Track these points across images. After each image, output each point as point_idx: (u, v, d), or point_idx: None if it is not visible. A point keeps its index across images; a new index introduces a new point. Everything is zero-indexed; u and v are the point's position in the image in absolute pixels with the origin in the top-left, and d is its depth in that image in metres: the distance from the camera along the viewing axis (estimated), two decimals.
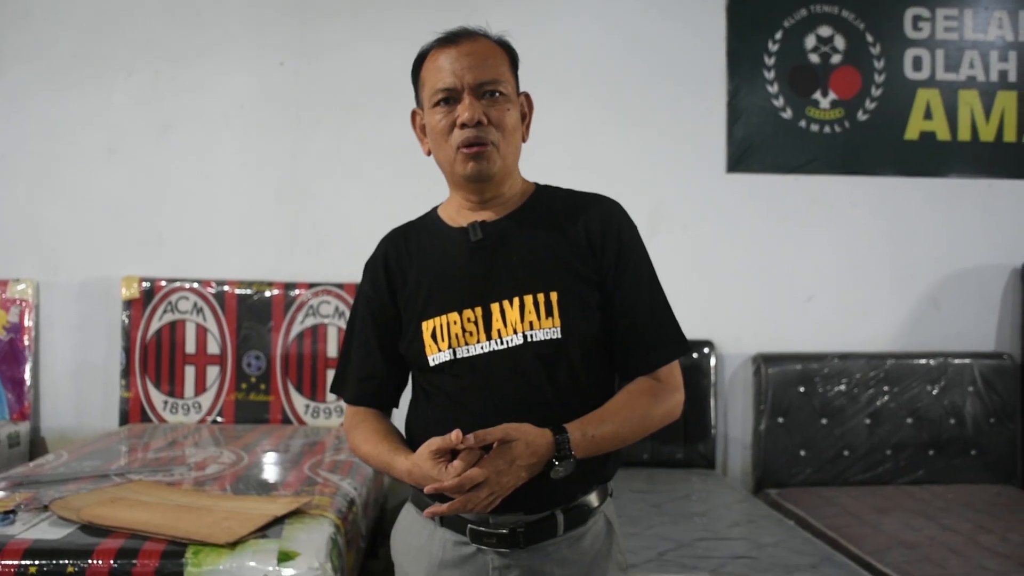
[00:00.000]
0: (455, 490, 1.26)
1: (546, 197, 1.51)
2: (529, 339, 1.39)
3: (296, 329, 3.76)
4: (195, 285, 3.79)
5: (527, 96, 1.52)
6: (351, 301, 3.62)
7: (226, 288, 3.79)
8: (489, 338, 1.40)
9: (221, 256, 3.85)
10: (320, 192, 3.89)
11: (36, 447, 3.78)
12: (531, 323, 1.39)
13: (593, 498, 1.45)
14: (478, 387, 1.41)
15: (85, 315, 3.84)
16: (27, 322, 3.80)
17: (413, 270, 1.50)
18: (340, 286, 3.80)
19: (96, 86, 3.87)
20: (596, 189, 3.94)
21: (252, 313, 3.77)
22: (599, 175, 3.77)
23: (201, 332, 3.76)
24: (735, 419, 3.84)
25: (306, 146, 3.88)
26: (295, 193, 3.89)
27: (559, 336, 1.39)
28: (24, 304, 3.81)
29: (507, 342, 1.39)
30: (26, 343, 3.80)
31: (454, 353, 1.42)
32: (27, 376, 3.78)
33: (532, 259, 1.43)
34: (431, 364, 1.45)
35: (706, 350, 3.77)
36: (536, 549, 1.40)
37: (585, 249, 1.43)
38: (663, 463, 3.66)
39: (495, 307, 1.40)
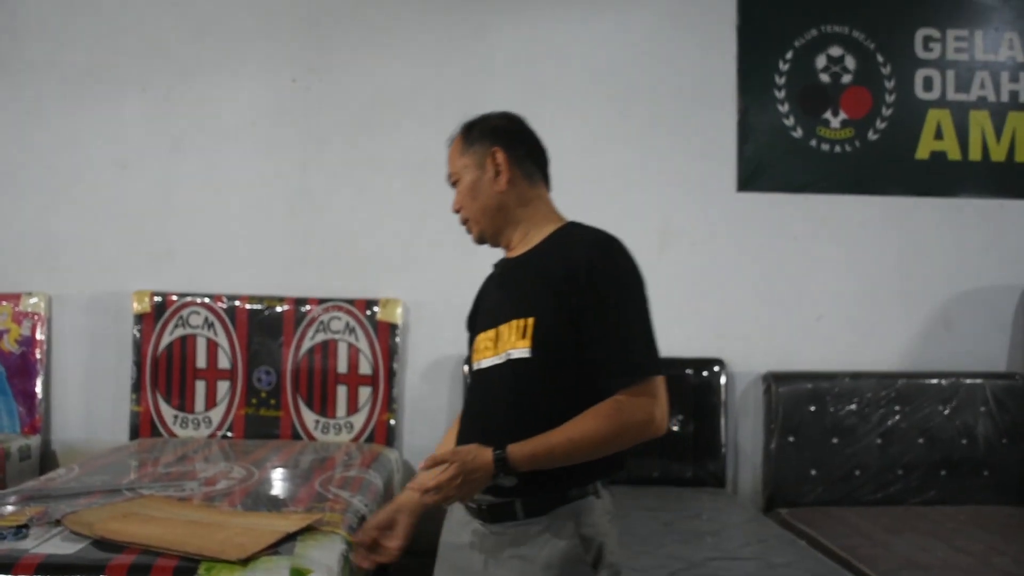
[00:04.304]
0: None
1: (561, 236, 1.68)
2: (509, 357, 1.60)
3: (306, 344, 3.76)
4: (206, 300, 3.79)
5: (493, 154, 1.71)
6: (361, 317, 3.71)
7: (237, 303, 3.79)
8: (495, 355, 1.63)
9: (232, 271, 3.85)
10: (331, 207, 3.90)
11: (47, 460, 3.78)
12: (512, 344, 1.60)
13: (553, 494, 1.59)
14: (475, 394, 1.71)
15: (96, 329, 3.85)
16: (39, 336, 3.82)
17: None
18: (351, 302, 3.79)
19: (108, 101, 3.89)
20: (604, 206, 4.03)
21: (263, 328, 3.77)
22: (608, 192, 3.84)
23: (212, 347, 3.76)
24: (745, 438, 3.82)
25: (317, 161, 3.90)
26: (306, 208, 3.89)
27: (528, 355, 1.58)
28: (36, 318, 3.82)
29: (496, 360, 1.63)
30: (38, 356, 3.81)
31: (479, 365, 1.68)
32: (39, 389, 3.79)
33: (524, 290, 1.63)
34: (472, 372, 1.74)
35: (716, 368, 3.75)
36: (502, 527, 1.60)
37: (563, 282, 1.57)
38: (673, 481, 3.63)
39: (503, 329, 1.63)
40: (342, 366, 3.75)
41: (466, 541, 1.67)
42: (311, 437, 3.72)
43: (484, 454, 1.51)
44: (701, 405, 3.69)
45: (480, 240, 1.76)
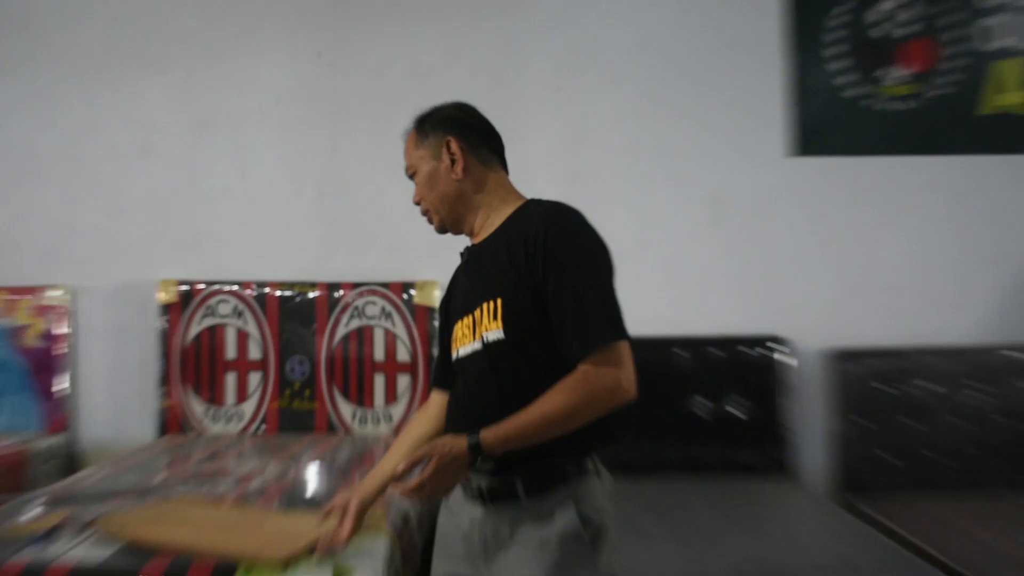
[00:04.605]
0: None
1: (520, 215, 1.74)
2: (485, 340, 1.66)
3: (341, 332, 3.70)
4: (235, 287, 3.74)
5: (447, 144, 1.79)
6: (397, 301, 3.64)
7: (267, 290, 3.74)
8: (473, 341, 1.69)
9: (261, 256, 3.80)
10: (363, 187, 3.79)
11: (73, 460, 3.72)
12: (486, 327, 1.66)
13: (555, 467, 1.63)
14: (458, 383, 1.76)
15: (121, 321, 3.79)
16: (62, 330, 3.75)
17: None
18: (385, 285, 3.72)
19: (129, 83, 3.84)
20: (650, 177, 3.84)
21: (294, 315, 3.72)
22: (654, 161, 3.72)
23: (242, 337, 3.72)
24: (808, 420, 3.65)
25: (347, 139, 3.80)
26: (336, 189, 3.81)
27: (503, 336, 1.63)
28: (59, 311, 3.76)
29: (475, 346, 1.69)
30: (61, 352, 3.74)
31: (458, 354, 1.74)
32: (63, 386, 3.73)
33: (489, 272, 1.70)
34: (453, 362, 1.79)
35: (775, 346, 3.61)
36: (501, 508, 1.65)
37: (522, 257, 1.64)
38: (732, 468, 3.50)
39: (476, 314, 1.69)
40: (379, 353, 3.69)
41: (464, 526, 1.72)
42: (348, 430, 3.67)
43: (459, 443, 1.57)
44: (760, 386, 3.57)
45: (441, 229, 1.83)
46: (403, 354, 3.66)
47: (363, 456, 3.16)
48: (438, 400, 1.90)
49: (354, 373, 3.68)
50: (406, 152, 1.85)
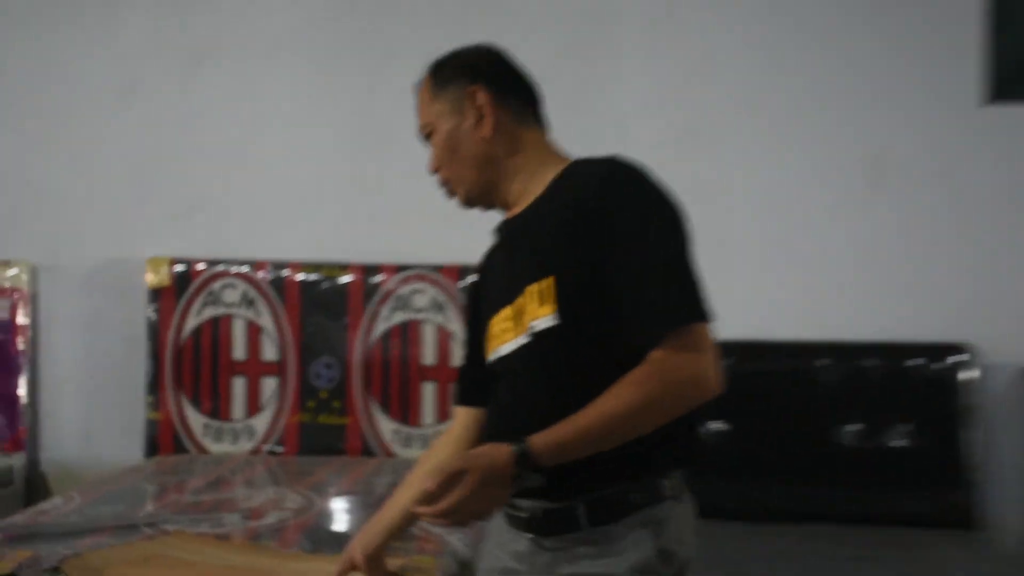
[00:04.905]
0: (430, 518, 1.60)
1: (567, 177, 1.77)
2: (533, 331, 1.67)
3: (380, 327, 3.72)
4: (244, 269, 3.76)
5: (472, 95, 1.79)
6: (452, 289, 3.69)
7: (285, 272, 3.75)
8: (517, 336, 1.72)
9: (278, 229, 3.81)
10: (408, 141, 3.67)
11: (35, 487, 3.75)
12: (533, 314, 1.67)
13: (625, 492, 1.64)
14: (498, 389, 1.78)
15: (98, 310, 3.82)
16: (20, 319, 3.76)
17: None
18: (437, 269, 3.74)
19: (105, 8, 3.88)
20: (781, 134, 3.80)
21: (321, 306, 3.73)
22: (788, 115, 3.71)
23: (253, 331, 3.73)
24: (1000, 455, 3.57)
25: (386, 79, 3.73)
26: (374, 143, 3.79)
27: (555, 323, 1.64)
28: (16, 295, 3.77)
29: (520, 340, 1.70)
30: (19, 348, 3.76)
31: (497, 355, 1.77)
32: (21, 392, 3.74)
33: (535, 247, 1.72)
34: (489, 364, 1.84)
35: (959, 358, 3.53)
36: (561, 540, 1.67)
37: (575, 226, 1.67)
38: (892, 518, 3.41)
39: (520, 301, 1.71)
40: (428, 355, 3.71)
41: (510, 563, 1.75)
42: (389, 452, 3.70)
43: (501, 452, 1.57)
44: (937, 410, 3.52)
45: (468, 202, 1.85)
46: (459, 357, 3.62)
47: None
48: (466, 420, 1.93)
49: (396, 380, 3.70)
50: (419, 107, 1.87)
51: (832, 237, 3.69)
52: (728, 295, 3.45)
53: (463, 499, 1.53)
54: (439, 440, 1.98)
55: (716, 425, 3.42)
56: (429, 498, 1.58)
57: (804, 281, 3.66)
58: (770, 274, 3.64)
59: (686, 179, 3.49)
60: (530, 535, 1.71)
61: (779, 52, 3.71)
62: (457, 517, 1.56)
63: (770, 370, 3.57)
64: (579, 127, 3.51)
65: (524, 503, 1.69)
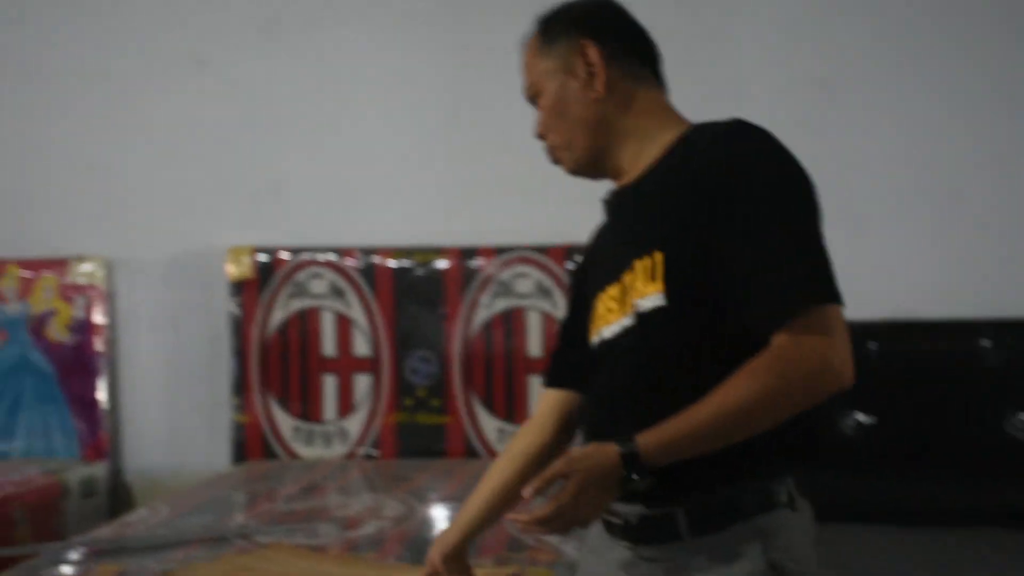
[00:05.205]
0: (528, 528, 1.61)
1: (686, 142, 1.76)
2: (638, 310, 1.67)
3: (481, 316, 3.77)
4: (331, 256, 3.81)
5: (582, 50, 1.79)
6: (559, 272, 3.70)
7: (376, 259, 3.81)
8: (622, 316, 1.72)
9: (366, 213, 3.86)
10: (505, 110, 3.73)
11: (119, 497, 3.85)
12: (640, 292, 1.67)
13: (731, 498, 1.63)
14: (601, 375, 1.77)
15: (177, 305, 3.90)
16: (98, 318, 3.85)
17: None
18: (542, 250, 3.77)
19: None
20: (924, 85, 3.73)
21: (416, 294, 3.78)
22: (929, 63, 3.63)
23: (343, 325, 3.79)
24: None
25: (481, 41, 3.81)
26: (468, 114, 3.84)
27: (663, 303, 1.64)
28: (92, 292, 3.86)
29: (625, 322, 1.71)
30: (98, 348, 3.85)
31: (600, 336, 1.77)
32: (102, 395, 3.84)
33: (645, 219, 1.74)
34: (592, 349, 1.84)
35: None
36: (660, 550, 1.67)
37: (692, 196, 1.66)
38: None
39: (627, 278, 1.71)
40: (534, 346, 3.74)
41: (607, 572, 1.74)
42: (493, 453, 3.70)
43: (607, 453, 1.57)
44: None
45: (576, 170, 1.86)
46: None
47: None
48: (553, 404, 1.94)
49: (500, 374, 3.74)
50: (525, 66, 1.87)
51: (991, 199, 3.62)
52: (866, 269, 3.54)
53: (564, 505, 1.54)
54: (524, 427, 1.97)
55: (858, 417, 3.38)
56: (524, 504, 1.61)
57: (959, 251, 3.60)
58: (917, 243, 3.60)
59: (812, 139, 3.52)
60: (626, 543, 1.71)
61: None
62: (557, 525, 1.56)
63: (921, 353, 3.49)
64: (690, 83, 3.56)
65: (619, 507, 1.67)
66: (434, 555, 1.89)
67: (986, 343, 3.47)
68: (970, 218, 3.62)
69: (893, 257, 3.60)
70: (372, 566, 2.41)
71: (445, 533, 1.92)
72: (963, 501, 3.40)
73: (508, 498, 1.88)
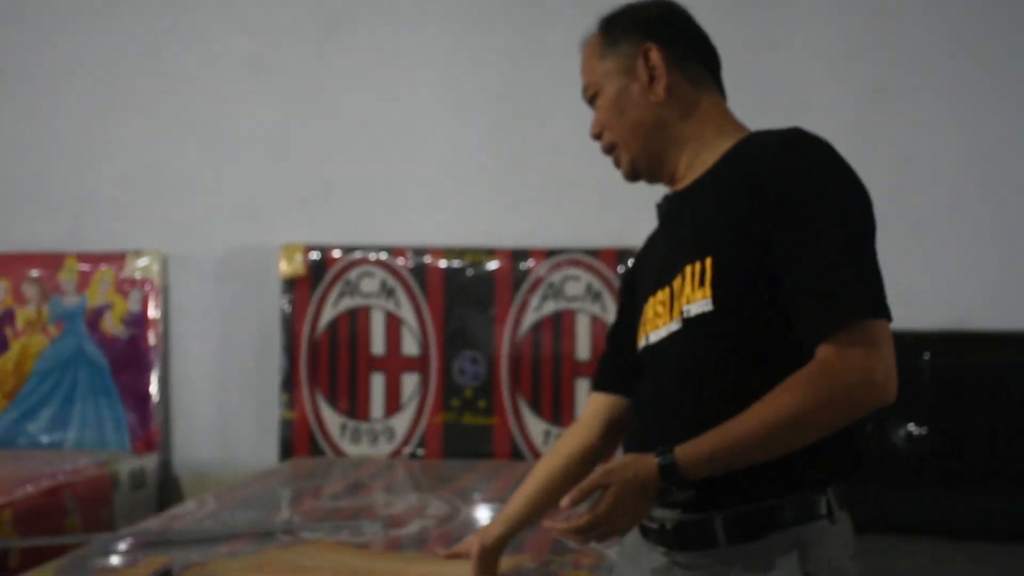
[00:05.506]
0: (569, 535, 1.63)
1: (742, 149, 1.76)
2: (686, 316, 1.68)
3: (530, 318, 3.77)
4: (383, 255, 3.84)
5: (645, 53, 1.81)
6: (609, 276, 3.70)
7: (427, 259, 3.83)
8: (670, 321, 1.73)
9: (418, 212, 3.88)
10: (559, 112, 3.76)
11: (168, 489, 3.90)
12: (688, 297, 1.68)
13: (770, 508, 1.63)
14: (646, 381, 1.79)
15: (230, 301, 3.95)
16: (152, 313, 3.91)
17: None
18: (593, 253, 3.77)
19: None
20: (989, 91, 3.71)
21: (466, 295, 3.80)
22: (995, 70, 3.61)
23: (393, 324, 3.81)
24: None
25: (536, 42, 3.82)
26: (523, 115, 3.84)
27: (711, 308, 1.64)
28: (148, 287, 3.91)
29: (672, 327, 1.72)
30: (151, 343, 3.90)
31: (647, 341, 1.79)
32: (154, 389, 3.89)
33: (696, 224, 1.74)
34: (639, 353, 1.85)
35: None
36: (696, 556, 1.67)
37: (745, 203, 1.66)
38: None
39: (676, 284, 1.72)
40: (583, 349, 3.73)
41: None
42: (539, 456, 3.63)
43: (646, 464, 1.59)
44: None
45: (633, 174, 1.87)
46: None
47: None
48: (600, 407, 1.96)
49: (548, 377, 3.73)
50: (585, 66, 1.89)
51: None
52: (923, 278, 3.52)
53: (602, 515, 1.57)
54: (570, 429, 1.99)
55: (910, 428, 3.34)
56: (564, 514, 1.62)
57: (1016, 261, 3.57)
58: (974, 254, 3.57)
59: (869, 147, 3.53)
60: (662, 549, 1.71)
61: None
62: (597, 533, 1.59)
63: (976, 365, 3.42)
64: (747, 90, 3.54)
65: (656, 512, 1.68)
66: (472, 543, 1.93)
67: None
68: None
69: (950, 267, 3.57)
70: (419, 563, 2.41)
71: (488, 526, 1.97)
72: (1015, 517, 3.34)
73: (551, 497, 1.89)
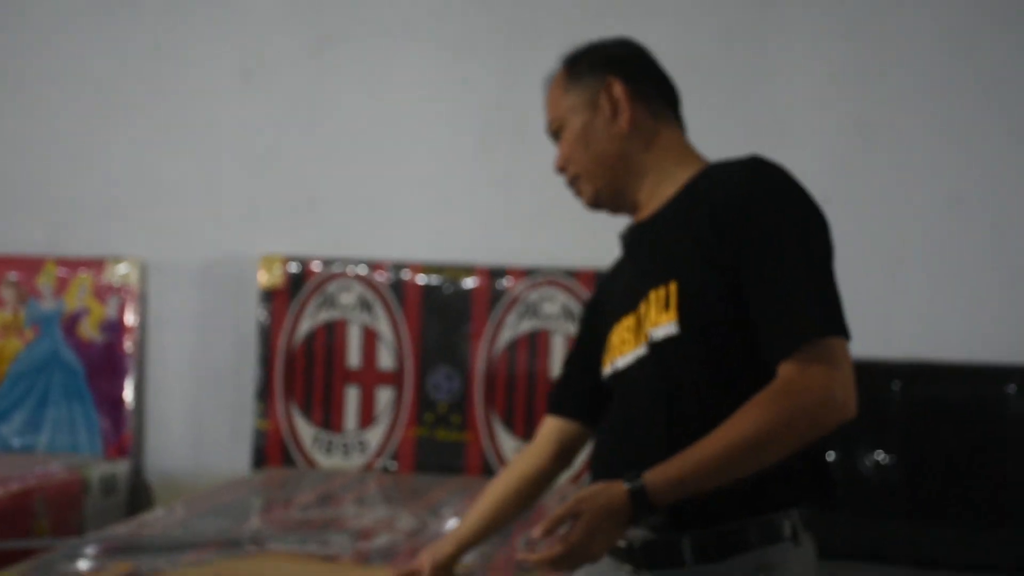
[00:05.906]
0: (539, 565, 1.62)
1: (703, 178, 1.80)
2: (652, 340, 1.70)
3: (506, 335, 3.76)
4: (362, 269, 3.83)
5: (608, 87, 1.85)
6: (584, 296, 3.68)
7: (406, 274, 3.82)
8: (636, 347, 1.75)
9: (398, 228, 3.88)
10: (541, 136, 3.71)
11: (138, 496, 3.87)
12: (653, 321, 1.70)
13: (737, 529, 1.65)
14: (613, 408, 1.81)
15: (208, 310, 3.93)
16: (129, 319, 3.89)
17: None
18: (571, 274, 3.77)
19: None
20: (973, 130, 3.70)
21: (443, 311, 3.79)
22: (980, 108, 3.62)
23: (369, 337, 3.80)
24: None
25: (522, 68, 3.79)
26: (506, 136, 3.85)
27: (677, 331, 1.67)
28: (125, 294, 3.90)
29: (638, 352, 1.73)
30: (127, 349, 3.89)
31: (614, 367, 1.80)
32: (128, 395, 3.87)
33: (660, 251, 1.76)
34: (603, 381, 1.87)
35: None
36: (661, 575, 1.68)
37: (708, 228, 1.69)
38: None
39: (643, 308, 1.73)
40: (557, 368, 3.66)
41: None
42: None
43: (614, 492, 1.59)
44: None
45: (595, 203, 1.89)
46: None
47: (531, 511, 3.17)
48: (552, 431, 1.97)
49: (522, 394, 3.73)
50: (550, 101, 1.93)
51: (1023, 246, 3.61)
52: (896, 309, 3.52)
53: (576, 543, 1.57)
54: (522, 452, 2.01)
55: (877, 456, 3.33)
56: (533, 546, 1.64)
57: (989, 296, 3.58)
58: (948, 287, 3.58)
59: (850, 180, 3.54)
60: (629, 567, 1.72)
61: (971, 34, 3.64)
62: (568, 563, 1.59)
63: (944, 396, 3.42)
64: (736, 120, 3.56)
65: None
66: (424, 561, 1.93)
67: (1011, 389, 3.39)
68: (1002, 264, 3.60)
69: (924, 299, 3.59)
70: (376, 573, 2.44)
71: (440, 543, 1.96)
72: (979, 547, 3.34)
73: (503, 518, 1.94)
